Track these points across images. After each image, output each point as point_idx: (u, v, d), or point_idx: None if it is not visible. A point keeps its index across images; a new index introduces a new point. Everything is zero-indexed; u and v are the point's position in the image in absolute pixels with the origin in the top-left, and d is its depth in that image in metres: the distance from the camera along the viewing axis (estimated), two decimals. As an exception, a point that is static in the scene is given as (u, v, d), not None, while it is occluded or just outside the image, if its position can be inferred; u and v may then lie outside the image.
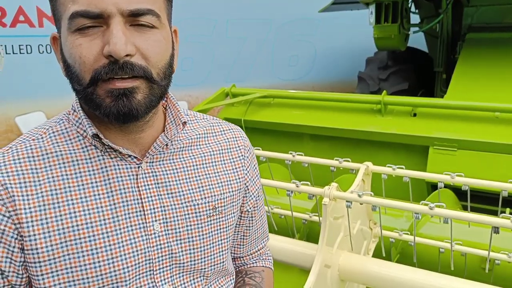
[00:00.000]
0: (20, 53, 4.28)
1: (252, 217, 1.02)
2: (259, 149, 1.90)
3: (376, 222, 1.78)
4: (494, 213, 1.70)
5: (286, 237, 1.61)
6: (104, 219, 0.77)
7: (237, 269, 1.07)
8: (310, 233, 2.05)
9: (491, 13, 3.45)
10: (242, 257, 1.07)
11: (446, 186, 1.80)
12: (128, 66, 0.70)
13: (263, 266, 1.09)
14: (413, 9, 3.75)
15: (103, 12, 0.69)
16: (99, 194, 0.78)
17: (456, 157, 2.21)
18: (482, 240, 1.69)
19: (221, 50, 5.63)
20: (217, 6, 5.46)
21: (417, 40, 4.10)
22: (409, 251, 1.77)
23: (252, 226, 1.03)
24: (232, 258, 1.06)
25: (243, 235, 1.03)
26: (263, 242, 1.11)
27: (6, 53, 4.15)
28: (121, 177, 0.79)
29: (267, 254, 1.13)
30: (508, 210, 2.05)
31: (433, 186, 2.26)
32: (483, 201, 2.17)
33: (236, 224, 1.00)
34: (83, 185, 0.77)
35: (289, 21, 6.08)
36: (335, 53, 6.48)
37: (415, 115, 2.38)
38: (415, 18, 3.82)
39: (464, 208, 1.98)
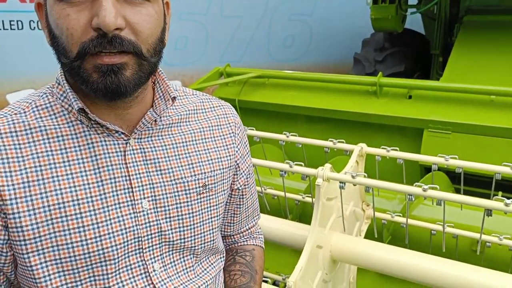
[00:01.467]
0: (11, 29, 4.20)
1: (242, 195, 1.00)
2: (253, 129, 1.88)
3: (369, 204, 1.78)
4: (487, 197, 1.70)
5: (279, 218, 1.61)
6: (91, 196, 0.75)
7: (228, 247, 1.06)
8: (303, 214, 2.05)
9: (489, -4, 3.41)
10: (233, 235, 1.06)
11: (439, 169, 1.80)
12: (117, 40, 0.67)
13: (253, 244, 1.08)
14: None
15: None
16: (85, 171, 0.75)
17: (450, 140, 2.21)
18: (473, 223, 1.70)
19: (216, 29, 5.56)
20: (213, -17, 5.37)
21: (414, 22, 4.06)
22: (401, 233, 1.77)
23: (243, 204, 1.02)
24: (222, 236, 1.05)
25: (234, 213, 1.02)
26: (254, 220, 1.10)
27: (-4, 29, 4.07)
28: (108, 153, 0.77)
29: (258, 232, 1.12)
30: (500, 193, 2.06)
31: (427, 169, 2.26)
32: (476, 184, 2.18)
33: (227, 202, 0.98)
34: (68, 161, 0.75)
35: (285, 1, 6.00)
36: (331, 34, 6.42)
37: (410, 97, 2.37)
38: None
39: (457, 191, 1.98)
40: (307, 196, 1.81)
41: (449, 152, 1.91)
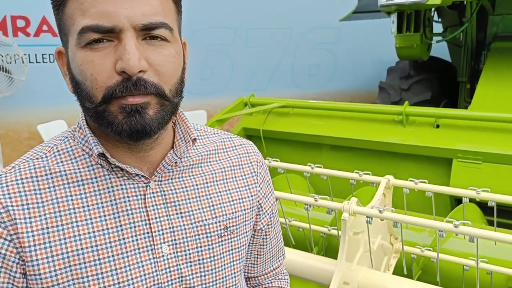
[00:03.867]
0: (43, 62, 4.37)
1: (266, 235, 0.98)
2: (277, 161, 1.87)
3: (398, 237, 1.73)
4: (521, 229, 1.64)
5: (304, 252, 1.57)
6: (110, 242, 0.74)
7: None
8: (329, 247, 2.00)
9: (517, 22, 3.36)
10: (257, 276, 1.03)
11: (471, 200, 1.74)
12: (142, 83, 0.68)
13: (279, 286, 1.05)
14: (435, 17, 3.68)
15: (115, 26, 0.67)
16: (105, 215, 0.75)
17: (481, 170, 2.14)
18: (509, 257, 1.63)
19: (241, 59, 5.64)
20: (238, 14, 5.48)
21: (440, 49, 4.03)
22: (431, 267, 1.71)
23: (267, 245, 0.99)
24: (246, 278, 1.02)
25: (257, 254, 0.99)
26: (279, 260, 1.07)
27: (30, 62, 4.23)
28: (128, 197, 0.76)
29: (283, 273, 1.08)
30: (536, 226, 1.97)
31: (458, 200, 2.19)
32: (509, 215, 2.10)
33: (250, 243, 0.96)
34: (88, 206, 0.74)
35: (310, 30, 6.06)
36: (355, 62, 6.43)
37: (438, 126, 2.32)
38: (438, 27, 3.75)
39: (490, 223, 1.91)
40: (333, 229, 1.77)
41: (480, 182, 1.85)
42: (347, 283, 1.36)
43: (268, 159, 1.90)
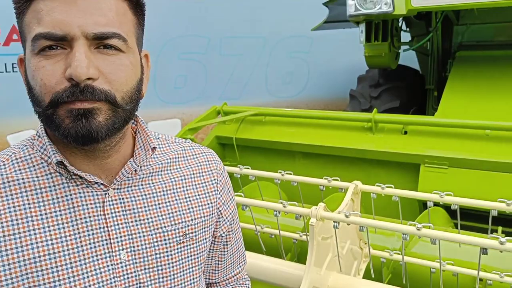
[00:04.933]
0: (13, 71, 4.28)
1: (226, 241, 0.99)
2: (248, 168, 1.89)
3: (367, 242, 1.76)
4: (486, 231, 1.69)
5: (273, 257, 1.59)
6: (68, 249, 0.74)
7: None
8: (301, 253, 2.02)
9: (481, 32, 3.49)
10: (218, 282, 1.04)
11: (437, 204, 1.78)
12: (89, 90, 0.69)
13: None
14: (404, 27, 3.78)
15: (67, 34, 0.69)
16: (62, 223, 0.75)
17: (447, 175, 2.20)
18: (474, 260, 1.68)
19: (214, 68, 5.65)
20: (211, 23, 5.49)
21: (409, 58, 4.13)
22: (401, 271, 1.74)
23: (227, 251, 1.01)
24: (207, 284, 1.03)
25: (218, 260, 1.01)
26: (240, 266, 1.08)
27: (-1, 72, 4.15)
28: (87, 204, 0.77)
29: (244, 279, 1.10)
30: (500, 228, 2.04)
31: (425, 204, 2.24)
32: (475, 219, 2.16)
33: (210, 249, 0.98)
34: (45, 214, 0.75)
35: (283, 38, 6.12)
36: (328, 71, 6.52)
37: (405, 133, 2.38)
38: (406, 36, 3.85)
39: (457, 226, 1.97)
40: (304, 235, 1.80)
41: (447, 187, 1.90)
42: (316, 287, 1.38)
43: (239, 167, 1.92)
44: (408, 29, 3.83)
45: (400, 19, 3.46)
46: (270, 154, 2.75)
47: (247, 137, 2.74)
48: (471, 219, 2.16)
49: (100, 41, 0.71)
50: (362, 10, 2.86)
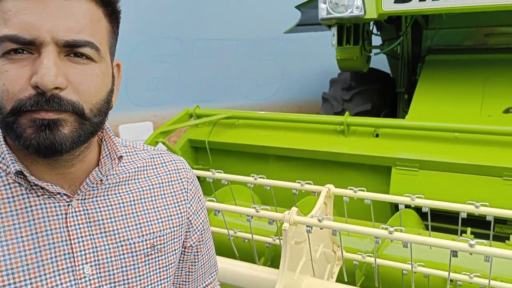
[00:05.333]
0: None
1: (197, 252, 0.97)
2: (221, 172, 1.87)
3: (340, 245, 1.76)
4: (456, 232, 1.72)
5: (246, 262, 1.57)
6: (28, 264, 0.71)
7: None
8: (275, 257, 2.01)
9: (449, 36, 3.56)
10: None
11: (408, 206, 1.81)
12: (56, 100, 0.65)
13: None
14: (375, 31, 3.83)
15: (36, 39, 0.64)
16: (22, 237, 0.71)
17: (418, 177, 2.24)
18: (446, 260, 1.70)
19: (187, 70, 5.61)
20: (184, 25, 5.45)
21: (381, 62, 4.19)
22: (374, 273, 1.75)
23: (198, 262, 0.99)
24: None
25: (188, 271, 0.98)
26: (211, 277, 1.06)
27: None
28: (48, 217, 0.73)
29: None
30: (469, 229, 2.07)
31: (397, 206, 2.27)
32: (445, 220, 2.20)
33: (180, 259, 0.95)
34: (3, 227, 0.71)
35: (256, 41, 6.13)
36: (301, 73, 6.56)
37: (377, 135, 2.41)
38: (377, 40, 3.91)
39: (427, 228, 1.99)
40: (277, 238, 1.79)
41: (418, 189, 1.92)
42: (289, 292, 1.38)
43: (212, 171, 1.90)
44: (379, 33, 3.88)
45: (371, 23, 3.50)
46: (243, 158, 2.74)
47: (220, 140, 2.72)
48: (442, 220, 2.20)
49: (70, 49, 0.67)
50: (334, 14, 2.88)
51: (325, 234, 1.67)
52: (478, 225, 2.10)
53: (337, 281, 1.73)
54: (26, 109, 0.65)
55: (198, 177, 2.69)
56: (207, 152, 2.70)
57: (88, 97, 0.69)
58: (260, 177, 1.77)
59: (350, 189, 1.62)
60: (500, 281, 1.53)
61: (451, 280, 1.61)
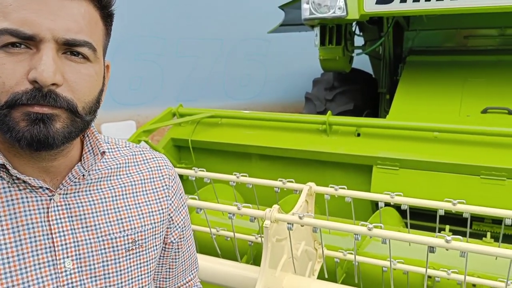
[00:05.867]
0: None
1: (178, 248, 0.98)
2: (203, 171, 1.87)
3: (321, 243, 1.78)
4: (435, 230, 1.75)
5: (228, 260, 1.58)
6: (8, 257, 0.71)
7: None
8: (257, 255, 2.02)
9: (430, 37, 3.62)
10: None
11: (388, 204, 1.83)
12: (52, 96, 0.66)
13: None
14: (358, 31, 3.87)
15: (36, 35, 0.66)
16: (2, 230, 0.71)
17: (398, 176, 2.27)
18: (424, 258, 1.73)
19: (171, 69, 5.58)
20: (168, 24, 5.42)
21: (364, 63, 4.24)
22: (354, 270, 1.78)
23: (179, 258, 0.99)
24: None
25: (169, 268, 0.99)
26: (192, 273, 1.07)
27: None
28: (30, 210, 0.73)
29: (196, 286, 1.09)
30: (447, 227, 2.11)
31: (377, 204, 2.30)
32: (424, 218, 2.23)
33: (161, 256, 0.96)
34: None
35: (241, 41, 6.13)
36: (285, 73, 6.59)
37: (359, 135, 2.44)
38: (360, 41, 3.95)
39: (411, 226, 2.03)
40: (260, 237, 1.80)
41: (398, 187, 1.95)
42: (271, 289, 1.39)
43: (194, 169, 1.90)
44: (361, 34, 3.93)
45: (354, 23, 3.54)
46: (226, 157, 2.74)
47: (203, 139, 2.72)
48: (422, 218, 2.23)
49: (68, 47, 0.69)
50: (317, 14, 2.91)
51: (307, 231, 1.69)
52: (457, 223, 2.15)
53: (318, 278, 1.75)
54: (22, 103, 0.65)
55: (181, 176, 2.69)
56: (190, 151, 2.70)
57: (82, 95, 0.70)
58: (242, 176, 1.78)
59: (331, 187, 1.64)
60: (477, 277, 1.57)
61: (429, 277, 1.65)
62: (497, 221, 2.23)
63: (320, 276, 1.74)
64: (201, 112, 2.75)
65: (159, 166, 0.93)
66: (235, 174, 1.79)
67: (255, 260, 2.00)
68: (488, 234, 1.97)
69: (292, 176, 1.93)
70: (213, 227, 1.83)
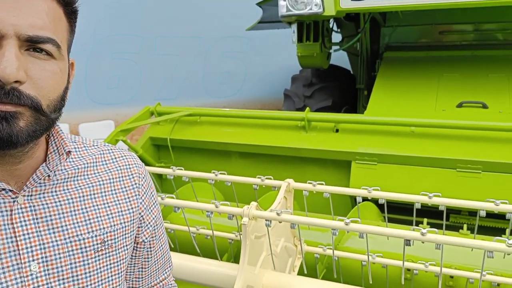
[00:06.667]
0: None
1: (150, 247, 0.96)
2: (181, 169, 1.85)
3: (299, 239, 1.79)
4: (413, 223, 1.77)
5: (207, 258, 1.57)
6: None
7: None
8: (238, 253, 2.01)
9: (406, 33, 3.67)
10: None
11: (366, 199, 1.85)
12: (15, 93, 0.64)
13: None
14: (335, 28, 3.89)
15: None
16: None
17: (376, 171, 2.29)
18: (401, 251, 1.75)
19: (149, 68, 5.53)
20: (145, 22, 5.37)
21: (342, 59, 4.26)
22: (335, 265, 1.79)
23: (151, 257, 0.98)
24: None
25: (141, 267, 0.97)
26: (166, 272, 1.05)
27: None
28: None
29: (171, 284, 1.07)
30: (425, 220, 2.14)
31: (356, 199, 2.32)
32: (402, 212, 2.26)
33: (132, 255, 0.94)
34: None
35: (220, 38, 6.10)
36: (265, 71, 6.59)
37: (337, 131, 2.45)
38: (338, 37, 3.97)
39: (390, 220, 2.04)
40: (239, 234, 1.79)
41: (376, 182, 1.96)
42: (250, 286, 1.38)
43: (172, 168, 1.88)
44: (339, 30, 3.95)
45: (331, 20, 3.56)
46: (206, 155, 2.73)
47: (182, 137, 2.70)
48: (400, 212, 2.26)
49: (32, 44, 0.67)
50: (294, 11, 2.91)
51: (286, 228, 1.69)
52: (435, 216, 2.18)
53: (298, 274, 1.75)
54: None
55: (160, 175, 2.67)
56: (169, 150, 2.68)
57: (46, 93, 0.69)
58: (221, 173, 1.77)
59: (309, 183, 1.65)
60: (454, 269, 1.59)
61: (408, 269, 1.67)
62: (473, 213, 2.25)
63: (301, 273, 1.75)
64: (180, 111, 2.73)
65: (128, 164, 0.91)
66: (213, 172, 1.78)
67: (236, 258, 1.99)
68: (465, 226, 2.01)
69: (272, 173, 1.93)
70: (194, 226, 1.81)
